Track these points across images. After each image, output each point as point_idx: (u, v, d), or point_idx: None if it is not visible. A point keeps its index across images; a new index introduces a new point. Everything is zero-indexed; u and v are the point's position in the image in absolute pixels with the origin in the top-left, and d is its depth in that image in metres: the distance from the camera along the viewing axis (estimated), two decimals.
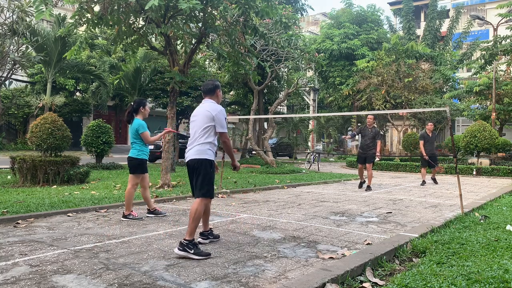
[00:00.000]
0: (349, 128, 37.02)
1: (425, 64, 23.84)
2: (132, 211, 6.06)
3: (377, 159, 10.37)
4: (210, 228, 4.82)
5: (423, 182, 11.95)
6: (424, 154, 11.65)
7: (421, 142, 11.89)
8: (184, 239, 4.11)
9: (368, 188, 10.40)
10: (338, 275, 3.35)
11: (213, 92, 4.56)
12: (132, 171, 6.11)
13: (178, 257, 4.05)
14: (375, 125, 10.64)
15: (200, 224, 4.58)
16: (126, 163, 6.33)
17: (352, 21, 29.32)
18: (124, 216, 5.99)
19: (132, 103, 6.23)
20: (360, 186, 10.83)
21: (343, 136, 11.06)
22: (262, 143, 19.08)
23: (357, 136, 10.86)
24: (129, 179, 6.14)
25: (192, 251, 4.04)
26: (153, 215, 6.23)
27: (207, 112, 4.37)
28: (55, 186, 9.14)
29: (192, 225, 4.19)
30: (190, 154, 4.38)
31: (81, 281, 3.36)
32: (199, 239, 4.62)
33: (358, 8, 30.26)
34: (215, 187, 9.79)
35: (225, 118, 4.42)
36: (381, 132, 10.89)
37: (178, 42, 10.19)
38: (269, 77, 18.41)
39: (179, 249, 4.08)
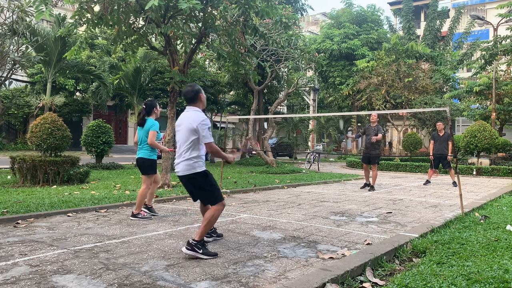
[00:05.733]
0: (349, 128, 37.02)
1: (425, 64, 23.85)
2: (142, 210, 6.12)
3: (373, 140, 10.11)
4: (214, 227, 4.85)
5: (426, 182, 11.94)
6: (430, 154, 11.64)
7: (431, 142, 11.90)
8: (193, 239, 4.13)
9: (372, 188, 10.37)
10: (338, 275, 3.35)
11: (195, 99, 4.36)
12: (145, 171, 6.15)
13: (181, 257, 4.05)
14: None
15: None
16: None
17: (352, 21, 29.33)
18: (133, 215, 6.03)
19: (144, 106, 6.26)
20: (364, 187, 10.77)
21: (347, 135, 10.98)
22: (262, 143, 19.08)
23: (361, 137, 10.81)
24: (143, 180, 6.18)
25: (201, 251, 4.09)
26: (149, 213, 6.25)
27: (189, 124, 4.22)
28: (55, 186, 9.13)
29: (204, 228, 4.21)
30: (180, 169, 4.28)
31: (81, 281, 3.36)
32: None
33: (358, 8, 30.27)
34: None
35: (209, 128, 4.26)
36: (383, 130, 10.75)
37: (178, 42, 10.19)
38: (269, 77, 18.41)
39: (187, 248, 4.10)
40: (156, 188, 6.43)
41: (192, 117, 4.25)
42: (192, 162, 4.22)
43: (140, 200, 6.04)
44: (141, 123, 6.16)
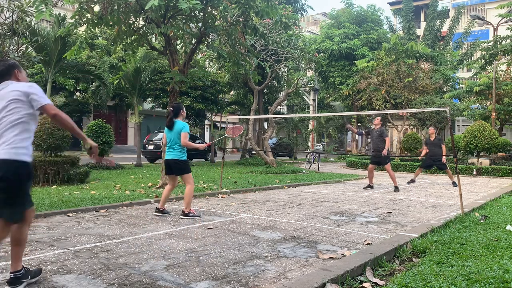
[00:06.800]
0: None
1: (425, 64, 23.86)
2: (191, 209, 6.29)
3: (384, 152, 10.18)
4: (25, 268, 3.25)
5: (411, 181, 12.14)
6: (421, 155, 11.98)
7: (424, 148, 12.14)
8: (15, 271, 3.14)
9: (396, 189, 10.19)
10: (338, 275, 3.35)
11: (9, 74, 3.29)
12: (183, 172, 6.30)
13: (181, 257, 4.04)
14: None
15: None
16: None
17: (352, 21, 29.34)
18: (184, 214, 6.17)
19: (171, 109, 6.45)
20: (367, 187, 10.75)
21: (348, 125, 11.18)
22: (262, 143, 19.08)
23: (361, 137, 10.97)
24: (185, 179, 6.32)
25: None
26: (161, 214, 6.37)
27: (15, 92, 3.12)
28: (55, 186, 9.13)
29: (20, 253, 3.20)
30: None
31: (81, 281, 3.36)
32: None
33: (358, 8, 30.28)
34: (215, 187, 9.80)
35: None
36: (386, 132, 10.86)
37: (178, 42, 10.19)
38: (269, 77, 18.41)
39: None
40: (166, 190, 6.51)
41: (17, 85, 3.20)
42: (17, 150, 3.07)
43: (189, 199, 6.21)
44: (169, 125, 6.36)
